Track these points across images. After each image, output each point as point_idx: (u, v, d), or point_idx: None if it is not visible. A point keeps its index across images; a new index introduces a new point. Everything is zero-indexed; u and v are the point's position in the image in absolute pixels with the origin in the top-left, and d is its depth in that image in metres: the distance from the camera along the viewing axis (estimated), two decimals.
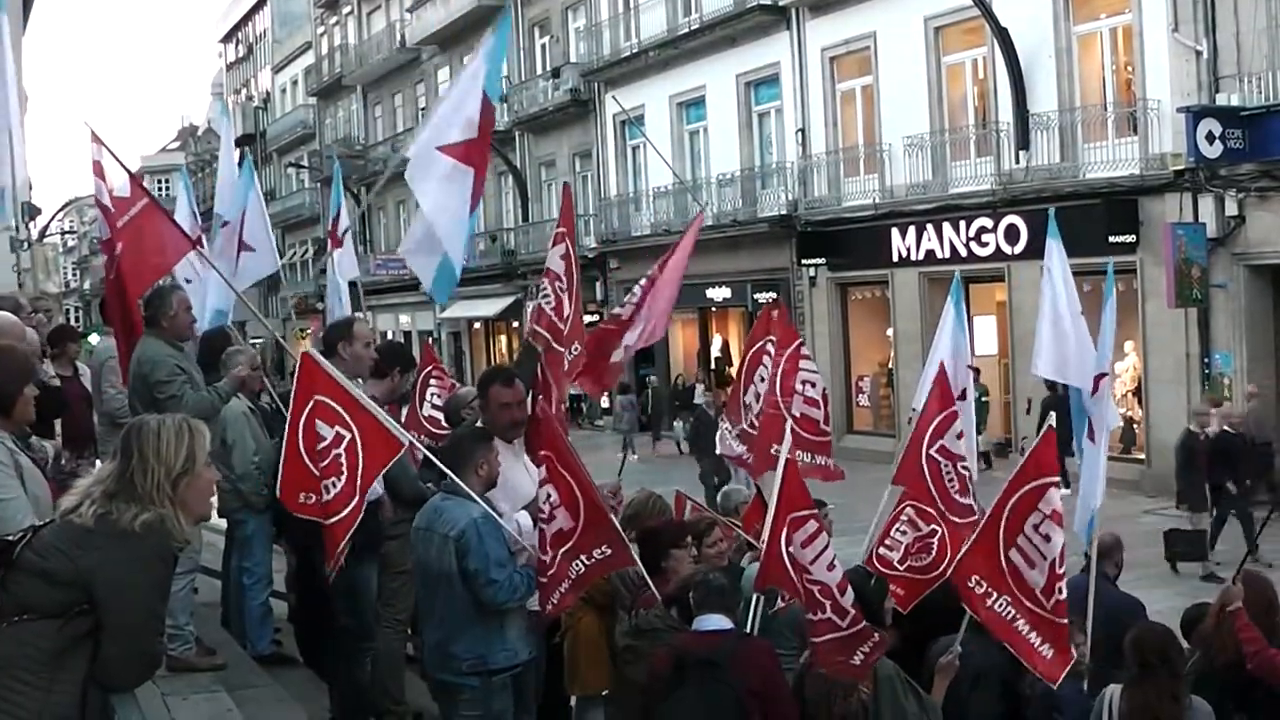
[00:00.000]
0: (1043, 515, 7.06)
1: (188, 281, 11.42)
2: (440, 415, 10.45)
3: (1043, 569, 7.04)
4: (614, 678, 7.76)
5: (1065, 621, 7.09)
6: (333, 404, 6.98)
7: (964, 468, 8.46)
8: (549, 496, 7.19)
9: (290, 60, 73.55)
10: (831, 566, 6.66)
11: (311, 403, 6.97)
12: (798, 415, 9.78)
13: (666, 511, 8.92)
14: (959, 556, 7.31)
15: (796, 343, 10.38)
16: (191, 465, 4.60)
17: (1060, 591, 7.04)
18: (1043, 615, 7.02)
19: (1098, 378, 9.39)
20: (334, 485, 6.97)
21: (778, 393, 9.94)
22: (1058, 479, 7.23)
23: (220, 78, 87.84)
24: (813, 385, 10.25)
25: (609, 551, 7.23)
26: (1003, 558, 7.11)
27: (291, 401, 7.12)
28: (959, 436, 8.46)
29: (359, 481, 7.04)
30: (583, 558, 7.18)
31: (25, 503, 5.49)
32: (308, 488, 7.02)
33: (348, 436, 6.96)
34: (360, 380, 8.29)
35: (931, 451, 8.28)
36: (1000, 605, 7.11)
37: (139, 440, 4.58)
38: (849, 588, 6.63)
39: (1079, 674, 7.75)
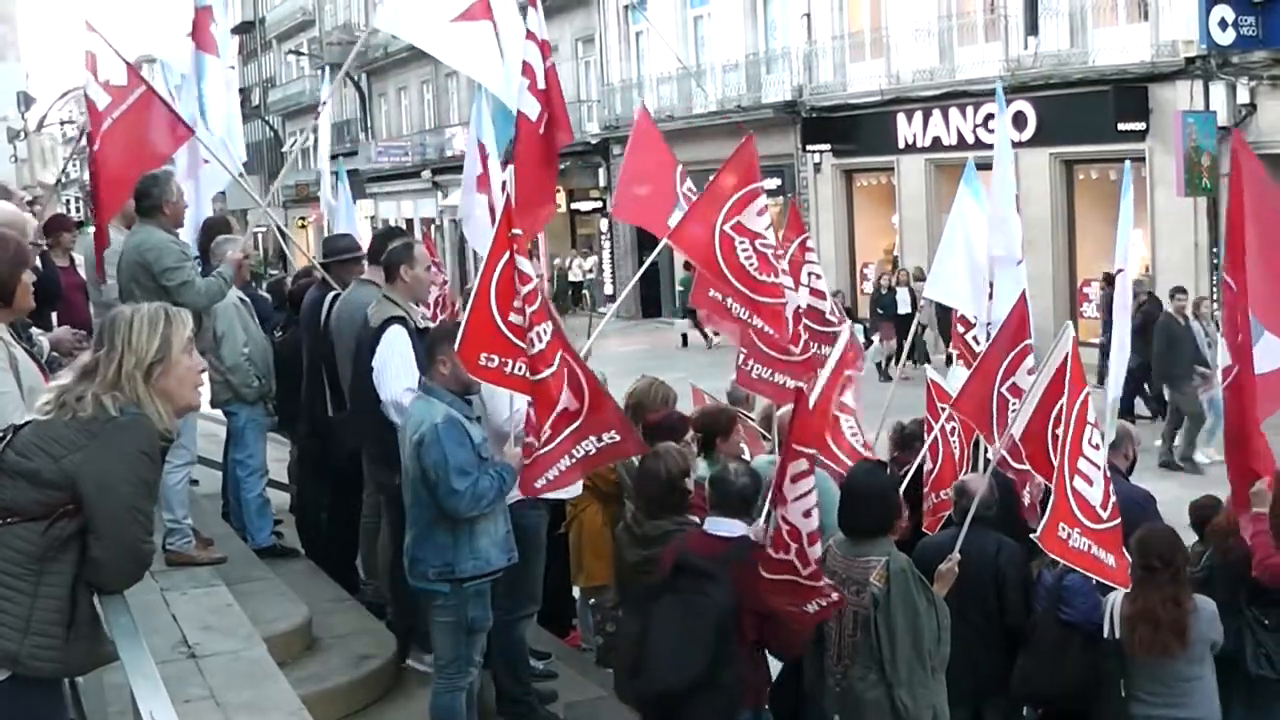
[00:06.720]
0: (1091, 426, 7.25)
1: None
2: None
3: (1099, 481, 7.17)
4: (616, 575, 7.68)
5: (1118, 523, 7.18)
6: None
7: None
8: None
9: None
10: (808, 514, 6.29)
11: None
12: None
13: (670, 400, 8.81)
14: (1043, 522, 7.25)
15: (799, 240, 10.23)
16: (166, 353, 4.42)
17: (1112, 495, 7.17)
18: (1102, 530, 7.13)
19: (1118, 272, 9.43)
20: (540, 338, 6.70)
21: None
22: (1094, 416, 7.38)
23: None
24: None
25: (617, 438, 7.07)
26: (1070, 491, 7.14)
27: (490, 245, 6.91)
28: (1030, 372, 8.29)
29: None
30: (592, 439, 6.99)
31: (16, 397, 5.35)
32: (493, 349, 6.73)
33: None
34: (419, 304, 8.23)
35: (1003, 390, 8.15)
36: (1076, 541, 7.15)
37: (111, 330, 4.44)
38: (819, 542, 6.37)
39: None
